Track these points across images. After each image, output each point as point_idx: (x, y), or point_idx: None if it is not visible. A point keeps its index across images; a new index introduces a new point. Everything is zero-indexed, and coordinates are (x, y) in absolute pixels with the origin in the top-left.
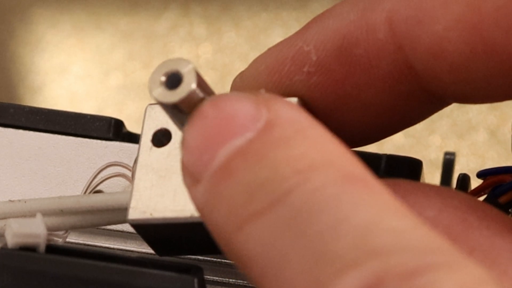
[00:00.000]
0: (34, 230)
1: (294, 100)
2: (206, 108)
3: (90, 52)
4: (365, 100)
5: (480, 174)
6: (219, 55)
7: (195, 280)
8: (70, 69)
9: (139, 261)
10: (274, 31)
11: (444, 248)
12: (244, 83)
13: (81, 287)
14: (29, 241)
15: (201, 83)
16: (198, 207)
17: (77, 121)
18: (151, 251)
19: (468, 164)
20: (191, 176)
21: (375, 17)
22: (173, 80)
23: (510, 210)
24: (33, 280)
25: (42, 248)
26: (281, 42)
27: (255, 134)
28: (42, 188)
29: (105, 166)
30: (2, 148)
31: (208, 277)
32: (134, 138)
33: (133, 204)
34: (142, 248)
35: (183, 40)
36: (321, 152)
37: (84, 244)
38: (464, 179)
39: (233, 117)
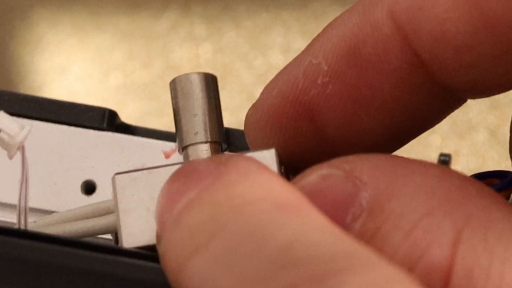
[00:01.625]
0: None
1: (272, 151)
2: (173, 175)
3: (90, 52)
4: (380, 99)
5: None
6: (219, 55)
7: None
8: (70, 69)
9: (124, 251)
10: (274, 31)
11: (357, 252)
12: (259, 113)
13: (61, 276)
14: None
15: None
16: (162, 265)
17: (71, 110)
18: None
19: (468, 164)
20: (157, 237)
21: (376, 14)
22: None
23: None
24: (14, 268)
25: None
26: (288, 64)
27: (205, 186)
28: (33, 176)
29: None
30: None
31: None
32: (127, 129)
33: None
34: None
35: (183, 40)
36: (259, 188)
37: None
38: None
39: (193, 176)
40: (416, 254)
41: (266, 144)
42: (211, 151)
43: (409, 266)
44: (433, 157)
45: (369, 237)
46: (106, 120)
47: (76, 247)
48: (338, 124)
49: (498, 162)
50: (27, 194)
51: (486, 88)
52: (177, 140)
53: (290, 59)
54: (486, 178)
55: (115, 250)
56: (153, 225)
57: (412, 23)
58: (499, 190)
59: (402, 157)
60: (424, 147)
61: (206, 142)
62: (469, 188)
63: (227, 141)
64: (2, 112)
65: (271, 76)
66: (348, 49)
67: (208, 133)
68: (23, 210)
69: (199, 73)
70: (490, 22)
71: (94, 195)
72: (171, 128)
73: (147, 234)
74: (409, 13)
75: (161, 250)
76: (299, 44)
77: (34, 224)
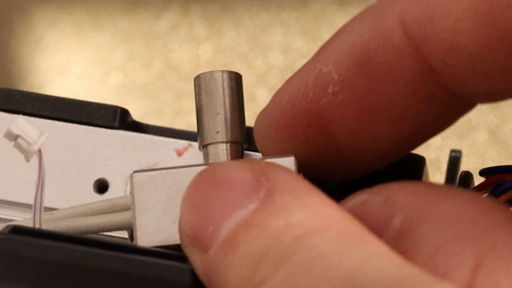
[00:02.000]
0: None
1: (291, 158)
2: (203, 177)
3: (90, 52)
4: (392, 108)
5: (482, 172)
6: (219, 55)
7: (190, 270)
8: (70, 69)
9: (133, 248)
10: (274, 31)
11: (418, 275)
12: (269, 120)
13: (72, 274)
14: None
15: None
16: (202, 273)
17: (83, 109)
18: None
19: (468, 164)
20: (197, 244)
21: (387, 23)
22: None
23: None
24: (29, 267)
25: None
26: (298, 71)
27: (257, 205)
28: (45, 175)
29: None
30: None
31: None
32: (139, 128)
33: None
34: None
35: (183, 40)
36: (319, 217)
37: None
38: (466, 177)
39: (234, 187)
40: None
41: (276, 150)
42: (231, 152)
43: None
44: (433, 157)
45: None
46: (118, 118)
47: (91, 246)
48: (348, 132)
49: (498, 162)
50: (42, 197)
51: (499, 94)
52: (198, 137)
53: (290, 59)
54: (497, 173)
55: (130, 248)
56: (169, 226)
57: (424, 33)
58: (511, 187)
59: (437, 185)
60: (424, 147)
61: (226, 142)
62: (497, 215)
63: (248, 140)
64: (21, 118)
65: (271, 76)
66: (358, 59)
67: (229, 133)
68: (38, 213)
69: (223, 71)
70: (503, 31)
71: (106, 193)
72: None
73: (162, 234)
74: (421, 23)
75: (210, 265)
76: (299, 44)
77: (50, 215)
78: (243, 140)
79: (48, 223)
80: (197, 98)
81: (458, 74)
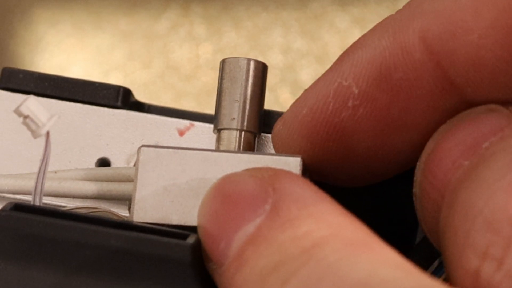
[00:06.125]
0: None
1: (298, 159)
2: (215, 192)
3: (90, 52)
4: (412, 122)
5: None
6: (219, 55)
7: (190, 247)
8: (70, 69)
9: (133, 226)
10: (274, 31)
11: (427, 286)
12: (288, 130)
13: (76, 251)
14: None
15: None
16: None
17: (85, 88)
18: None
19: None
20: (214, 260)
21: (408, 38)
22: None
23: None
24: (30, 243)
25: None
26: (317, 81)
27: (263, 219)
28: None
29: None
30: (10, 113)
31: None
32: (141, 107)
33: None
34: None
35: (183, 40)
36: (325, 226)
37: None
38: None
39: (242, 201)
40: None
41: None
42: (244, 140)
43: None
44: None
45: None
46: (120, 98)
47: (92, 223)
48: (367, 144)
49: None
50: (44, 177)
51: None
52: (214, 120)
53: (290, 59)
54: None
55: (131, 226)
56: (167, 205)
57: (446, 49)
58: None
59: None
60: None
61: (240, 130)
62: None
63: (265, 122)
64: (33, 98)
65: (271, 76)
66: (379, 73)
67: (245, 121)
68: (39, 192)
69: (250, 59)
70: None
71: None
72: None
73: (159, 212)
74: (442, 39)
75: (225, 282)
76: (299, 44)
77: (54, 174)
78: (257, 131)
79: (50, 182)
80: (219, 81)
81: (480, 88)
